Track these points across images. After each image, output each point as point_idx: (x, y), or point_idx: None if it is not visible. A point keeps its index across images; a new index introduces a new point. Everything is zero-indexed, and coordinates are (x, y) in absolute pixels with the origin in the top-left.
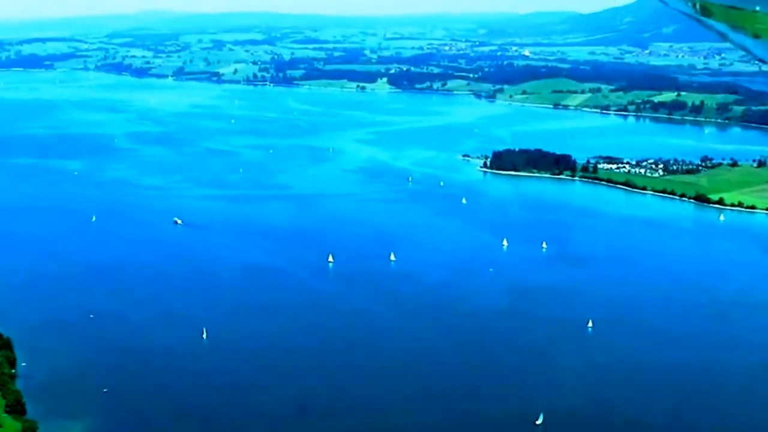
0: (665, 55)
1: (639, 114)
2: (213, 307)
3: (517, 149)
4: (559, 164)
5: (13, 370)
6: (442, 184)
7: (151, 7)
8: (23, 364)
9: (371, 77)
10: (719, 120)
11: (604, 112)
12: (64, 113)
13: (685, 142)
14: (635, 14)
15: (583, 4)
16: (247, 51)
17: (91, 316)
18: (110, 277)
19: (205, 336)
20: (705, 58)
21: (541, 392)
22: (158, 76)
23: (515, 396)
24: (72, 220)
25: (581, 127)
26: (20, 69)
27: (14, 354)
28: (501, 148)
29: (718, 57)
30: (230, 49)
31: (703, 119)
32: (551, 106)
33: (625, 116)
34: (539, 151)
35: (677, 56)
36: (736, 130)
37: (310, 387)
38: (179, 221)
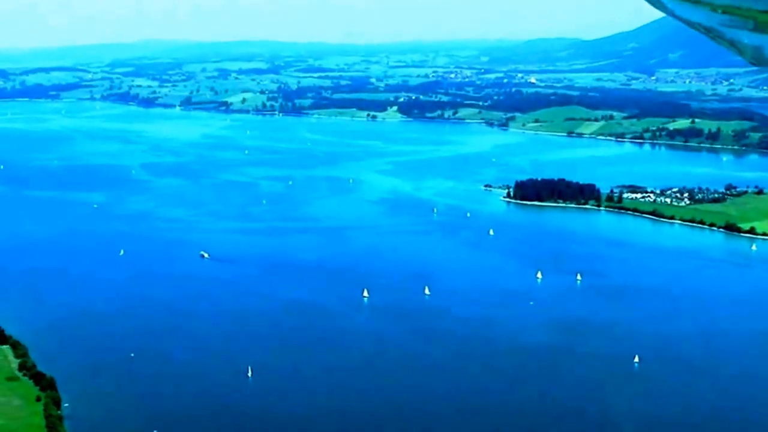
0: (672, 81)
1: (655, 141)
2: (254, 343)
3: (539, 179)
4: (583, 194)
5: (59, 411)
6: (468, 215)
7: (152, 36)
8: (66, 404)
9: (381, 106)
10: (736, 147)
11: (619, 140)
12: (76, 144)
13: (706, 170)
14: (639, 40)
15: (585, 31)
16: (253, 80)
17: (132, 354)
18: (145, 314)
19: (250, 374)
20: (713, 83)
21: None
22: (165, 105)
23: None
24: (100, 255)
25: (598, 156)
26: (26, 99)
27: (59, 394)
28: (521, 177)
29: (725, 83)
30: (236, 78)
31: (719, 146)
32: (565, 134)
33: (641, 144)
34: (563, 180)
35: (684, 82)
36: (754, 157)
37: (359, 427)
38: (206, 255)
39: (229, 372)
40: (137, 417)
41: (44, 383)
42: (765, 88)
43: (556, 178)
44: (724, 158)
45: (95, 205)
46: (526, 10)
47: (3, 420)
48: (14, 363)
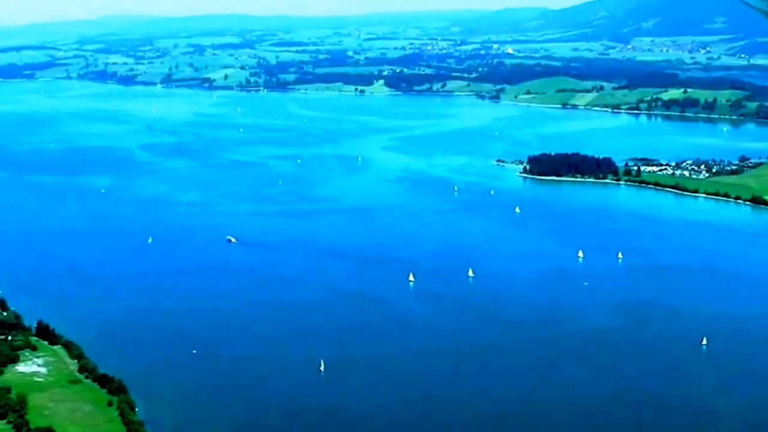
0: (649, 50)
1: (650, 112)
2: (316, 335)
3: (553, 153)
4: (601, 168)
5: (136, 417)
6: (492, 192)
7: (117, 11)
8: (137, 409)
9: (366, 80)
10: (733, 117)
11: (615, 111)
12: (66, 126)
13: (709, 140)
14: (609, 9)
15: (551, 0)
16: (231, 55)
17: (194, 351)
18: (192, 306)
19: (322, 368)
20: (690, 52)
21: (690, 417)
22: (146, 83)
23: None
24: (129, 244)
25: (599, 128)
26: (0, 80)
27: (131, 398)
28: (530, 151)
29: (703, 51)
30: (213, 54)
31: (716, 116)
32: (560, 106)
33: (637, 115)
34: (577, 154)
35: (661, 51)
36: (752, 127)
37: (437, 419)
38: (233, 239)
39: (301, 367)
40: (216, 419)
41: (113, 386)
42: (743, 56)
43: (569, 152)
44: (724, 128)
45: (103, 190)
46: None
47: (78, 428)
48: (72, 365)
